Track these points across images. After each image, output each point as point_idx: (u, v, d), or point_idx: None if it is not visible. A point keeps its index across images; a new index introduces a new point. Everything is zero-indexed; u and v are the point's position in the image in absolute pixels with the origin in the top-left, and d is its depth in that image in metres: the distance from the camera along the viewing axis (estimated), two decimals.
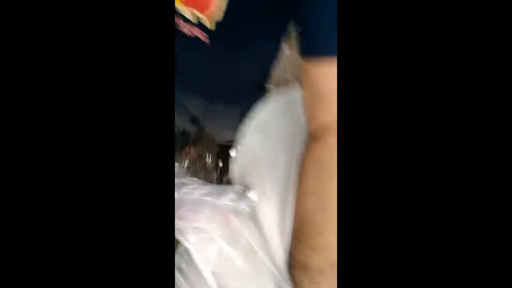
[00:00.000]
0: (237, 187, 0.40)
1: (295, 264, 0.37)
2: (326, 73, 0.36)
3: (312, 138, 0.39)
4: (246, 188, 0.41)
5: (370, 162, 0.25)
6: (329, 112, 0.36)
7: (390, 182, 0.25)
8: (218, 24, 0.39)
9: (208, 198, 0.37)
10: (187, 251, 0.37)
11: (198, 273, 0.37)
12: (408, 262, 0.24)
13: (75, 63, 0.23)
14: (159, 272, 0.24)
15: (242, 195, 0.39)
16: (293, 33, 0.41)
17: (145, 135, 0.24)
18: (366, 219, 0.25)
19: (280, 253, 0.38)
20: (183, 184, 0.40)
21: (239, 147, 0.46)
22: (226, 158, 0.54)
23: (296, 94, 0.46)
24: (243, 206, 0.39)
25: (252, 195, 0.40)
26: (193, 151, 0.57)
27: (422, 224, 0.24)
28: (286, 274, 0.38)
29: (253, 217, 0.40)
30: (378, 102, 0.25)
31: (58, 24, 0.23)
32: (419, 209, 0.24)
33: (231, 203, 0.38)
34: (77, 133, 0.23)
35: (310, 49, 0.37)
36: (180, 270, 0.38)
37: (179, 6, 0.39)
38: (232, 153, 0.47)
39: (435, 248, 0.23)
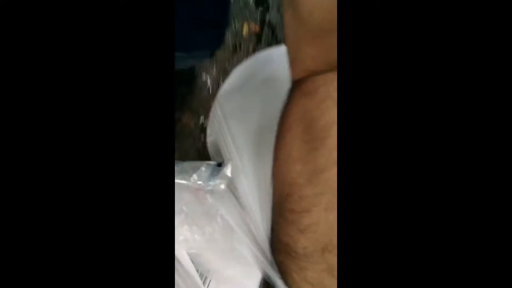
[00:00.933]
0: (210, 162, 0.35)
1: (279, 247, 0.30)
2: None
3: (298, 89, 0.29)
4: (220, 162, 0.36)
5: (377, 119, 0.19)
6: (322, 50, 0.25)
7: (400, 147, 0.19)
8: None
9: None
10: None
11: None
12: (416, 249, 0.20)
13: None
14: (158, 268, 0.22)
15: (215, 170, 0.34)
16: None
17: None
18: (372, 194, 0.20)
19: (262, 233, 0.34)
20: None
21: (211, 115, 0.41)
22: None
23: (272, 51, 0.41)
24: (217, 182, 0.34)
25: (226, 170, 0.35)
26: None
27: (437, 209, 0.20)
28: (270, 256, 0.33)
29: (232, 192, 0.36)
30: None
31: None
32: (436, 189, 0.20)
33: (202, 182, 0.33)
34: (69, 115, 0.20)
35: None
36: None
37: None
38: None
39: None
